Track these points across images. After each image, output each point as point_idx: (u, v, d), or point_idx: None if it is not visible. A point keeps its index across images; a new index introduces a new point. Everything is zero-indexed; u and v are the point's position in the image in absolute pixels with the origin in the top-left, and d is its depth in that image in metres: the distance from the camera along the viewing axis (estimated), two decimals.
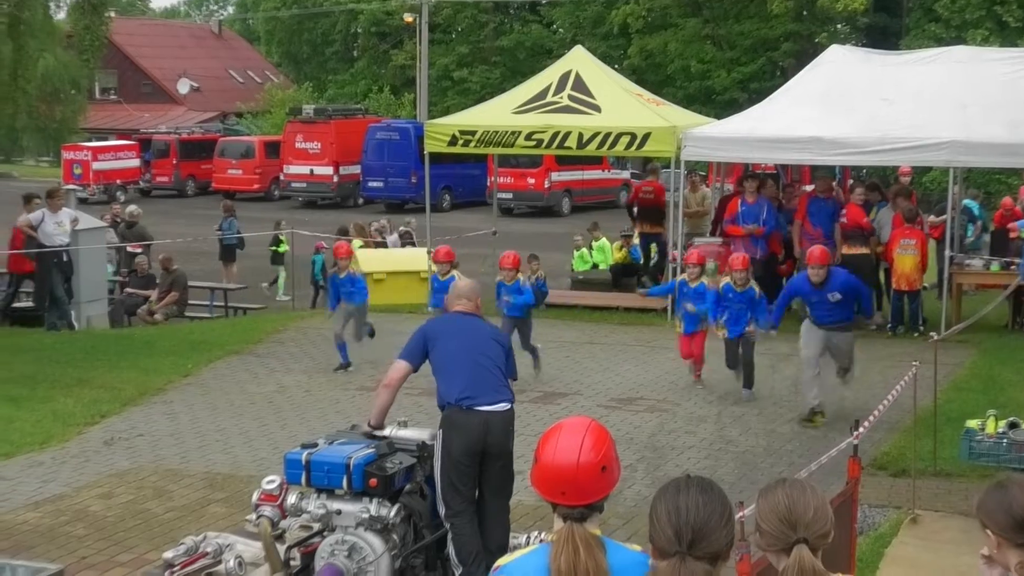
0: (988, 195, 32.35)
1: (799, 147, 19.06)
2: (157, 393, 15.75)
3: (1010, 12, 46.52)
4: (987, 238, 23.61)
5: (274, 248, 27.76)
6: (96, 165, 50.40)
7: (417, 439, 9.00)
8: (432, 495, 8.95)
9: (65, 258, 21.10)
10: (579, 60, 22.30)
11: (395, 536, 8.44)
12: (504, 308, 16.46)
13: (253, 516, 8.83)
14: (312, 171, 47.76)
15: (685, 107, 28.02)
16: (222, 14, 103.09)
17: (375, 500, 8.33)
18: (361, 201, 47.28)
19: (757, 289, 15.40)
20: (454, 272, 16.44)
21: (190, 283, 24.46)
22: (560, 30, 65.49)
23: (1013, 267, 19.63)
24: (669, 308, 20.33)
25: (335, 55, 75.42)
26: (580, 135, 20.32)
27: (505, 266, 16.62)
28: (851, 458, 8.37)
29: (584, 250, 25.77)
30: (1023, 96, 19.13)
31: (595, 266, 25.51)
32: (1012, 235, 22.01)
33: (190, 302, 24.42)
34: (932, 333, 12.76)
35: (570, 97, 21.00)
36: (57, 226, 20.82)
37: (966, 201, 23.35)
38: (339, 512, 8.39)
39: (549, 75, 22.18)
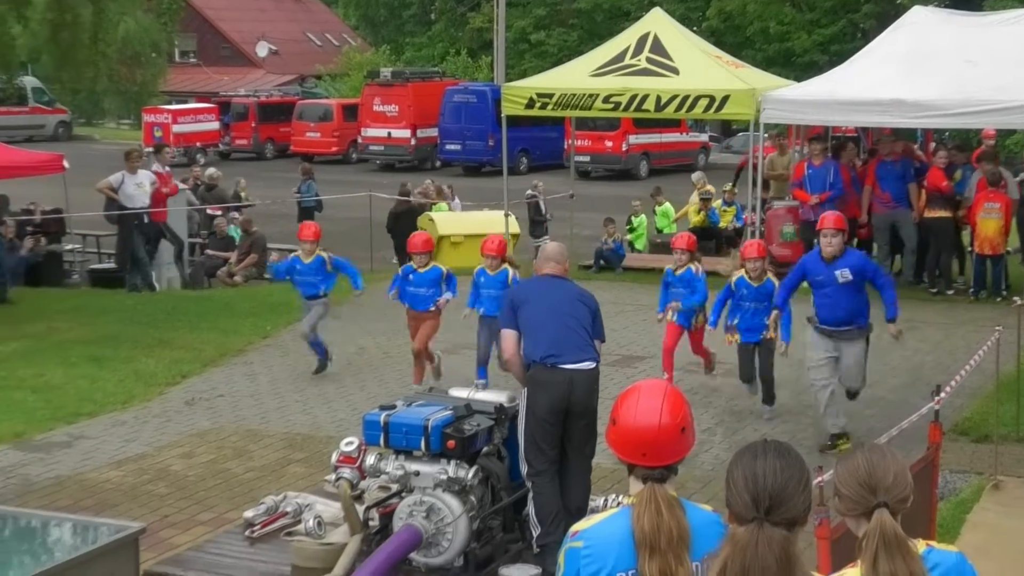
0: None
1: (880, 110, 18.82)
2: (237, 354, 15.88)
3: None
4: None
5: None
6: (176, 128, 50.73)
7: (495, 402, 9.02)
8: (510, 457, 8.98)
9: (146, 220, 21.29)
10: (657, 22, 22.14)
11: (473, 498, 8.48)
12: (480, 306, 13.90)
13: (332, 477, 8.90)
14: (390, 134, 47.83)
15: (764, 69, 27.72)
16: None
17: (453, 462, 8.37)
18: (438, 164, 47.30)
19: (777, 282, 12.97)
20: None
21: (269, 245, 24.60)
22: None
23: None
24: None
25: (412, 18, 75.34)
26: (658, 98, 20.20)
27: (488, 252, 13.81)
28: (932, 423, 8.29)
29: (642, 216, 25.34)
30: None
31: (659, 231, 25.31)
32: None
33: (269, 264, 24.54)
34: (1015, 298, 12.59)
35: (648, 59, 20.86)
36: (137, 187, 21.00)
37: None
38: (417, 473, 8.43)
39: (627, 37, 22.04)
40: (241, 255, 24.01)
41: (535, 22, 66.17)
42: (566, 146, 38.19)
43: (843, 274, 11.79)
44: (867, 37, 36.81)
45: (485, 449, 8.76)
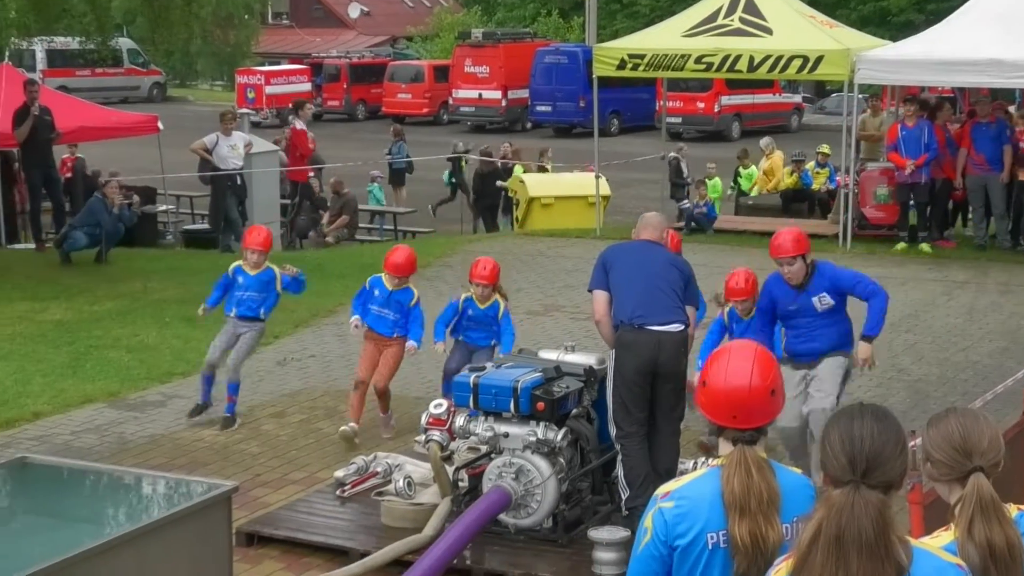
0: None
1: (977, 70, 18.50)
2: (328, 315, 15.96)
3: None
4: None
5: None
6: (269, 89, 51.02)
7: (584, 364, 9.01)
8: (599, 420, 8.97)
9: (239, 181, 21.45)
10: None
11: (562, 459, 8.49)
12: (465, 337, 11.21)
13: (421, 438, 8.94)
14: (481, 95, 47.82)
15: (859, 29, 27.36)
16: None
17: (542, 423, 8.38)
18: (529, 125, 47.25)
19: None
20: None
21: (360, 207, 24.71)
22: None
23: None
24: (841, 234, 20.05)
25: None
26: (751, 58, 20.00)
27: (480, 279, 11.04)
28: None
29: (716, 179, 25.08)
30: None
31: (744, 193, 25.05)
32: None
33: (360, 225, 24.67)
34: None
35: (741, 20, 20.64)
36: (231, 149, 21.15)
37: None
38: (506, 435, 8.46)
39: None
40: (333, 216, 24.15)
41: None
42: (658, 107, 37.99)
43: (822, 300, 9.46)
44: None
45: (574, 411, 8.76)
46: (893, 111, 23.89)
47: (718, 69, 20.88)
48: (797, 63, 19.80)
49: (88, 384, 12.73)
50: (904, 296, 16.46)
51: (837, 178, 22.67)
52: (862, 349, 9.67)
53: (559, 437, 8.41)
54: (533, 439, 8.36)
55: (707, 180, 24.93)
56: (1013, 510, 3.88)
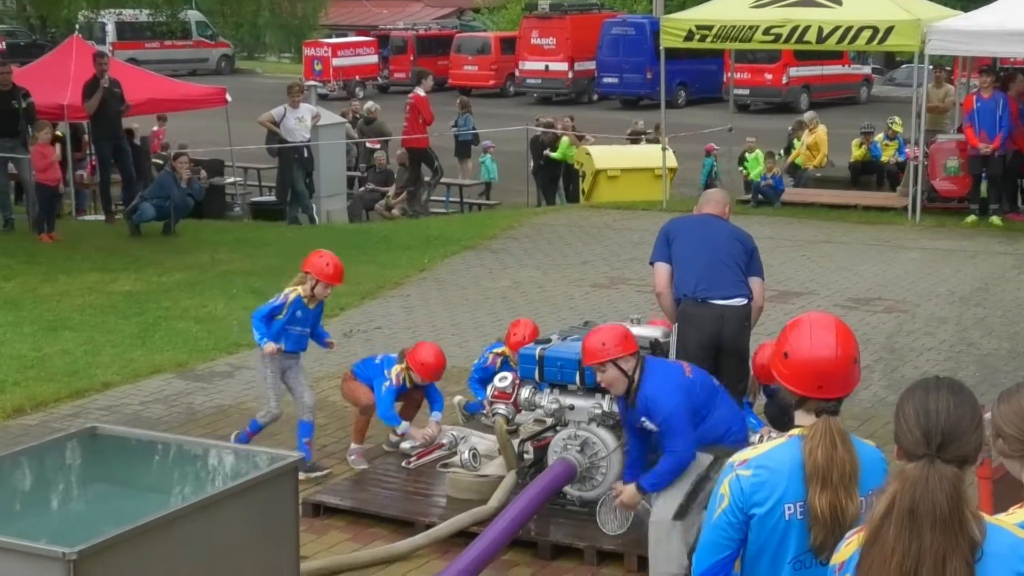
0: None
1: None
2: (394, 287, 16.01)
3: None
4: None
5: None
6: (336, 61, 51.15)
7: (650, 336, 8.99)
8: None
9: (306, 154, 21.54)
10: None
11: None
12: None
13: (487, 411, 8.95)
14: (547, 67, 47.71)
15: None
16: None
17: (607, 396, 8.36)
18: (596, 97, 47.12)
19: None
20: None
21: (427, 179, 24.74)
22: None
23: None
24: (910, 207, 19.89)
25: None
26: (820, 29, 19.82)
27: (518, 337, 9.95)
28: None
29: (757, 152, 24.82)
30: None
31: (797, 167, 24.71)
32: None
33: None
34: None
35: None
36: (298, 121, 21.24)
37: None
38: (572, 407, 8.45)
39: None
40: (399, 188, 24.20)
41: None
42: (725, 79, 37.78)
43: (644, 425, 7.43)
44: None
45: None
46: (964, 82, 23.65)
47: (786, 40, 20.72)
48: (867, 34, 19.61)
49: (157, 355, 12.85)
50: (974, 269, 16.33)
51: (907, 150, 22.47)
52: (627, 493, 7.52)
53: None
54: (598, 411, 8.35)
55: (747, 153, 24.78)
56: None
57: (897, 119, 24.49)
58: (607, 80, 46.26)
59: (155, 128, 27.29)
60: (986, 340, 13.33)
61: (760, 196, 22.25)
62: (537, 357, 8.54)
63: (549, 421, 8.80)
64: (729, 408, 7.53)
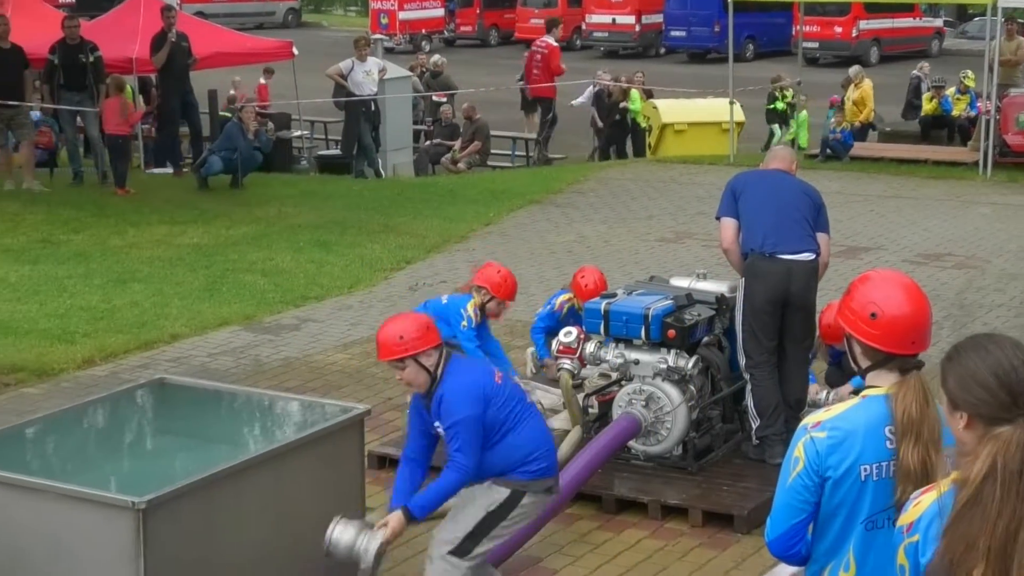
0: None
1: None
2: (460, 241, 16.03)
3: None
4: None
5: (771, 106, 26.51)
6: (402, 15, 50.83)
7: (716, 291, 8.96)
8: (731, 348, 8.92)
9: (373, 107, 21.56)
10: None
11: (692, 387, 8.46)
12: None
13: (552, 366, 8.95)
14: (614, 20, 47.38)
15: None
16: None
17: (673, 351, 8.35)
18: (663, 51, 46.82)
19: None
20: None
21: (492, 132, 24.70)
22: None
23: None
24: (981, 162, 19.67)
25: None
26: None
27: (586, 284, 9.66)
28: None
29: (804, 113, 24.47)
30: None
31: (860, 125, 24.33)
32: None
33: (492, 151, 24.69)
34: None
35: None
36: (365, 75, 21.27)
37: None
38: (637, 362, 8.44)
39: None
40: (465, 142, 24.19)
41: None
42: (794, 32, 37.41)
43: (437, 428, 6.28)
44: None
45: (705, 339, 8.73)
46: None
47: None
48: None
49: (224, 307, 12.94)
50: None
51: (978, 104, 22.20)
52: (394, 520, 6.19)
53: (690, 365, 8.37)
54: (664, 366, 8.33)
55: (778, 96, 24.54)
56: None
57: (969, 73, 24.18)
58: (675, 33, 45.91)
59: (261, 81, 27.45)
60: None
61: (828, 151, 22.06)
62: (603, 311, 8.53)
63: (614, 376, 8.79)
64: (539, 431, 6.34)
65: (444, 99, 26.34)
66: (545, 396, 9.29)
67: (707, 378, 8.71)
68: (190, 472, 6.06)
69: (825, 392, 8.91)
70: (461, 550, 6.16)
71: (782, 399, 8.57)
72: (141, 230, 16.17)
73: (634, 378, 8.46)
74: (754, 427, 8.63)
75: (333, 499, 6.61)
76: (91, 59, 19.32)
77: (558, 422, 8.88)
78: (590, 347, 8.59)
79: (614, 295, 8.79)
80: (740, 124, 22.95)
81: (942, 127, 23.43)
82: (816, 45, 42.24)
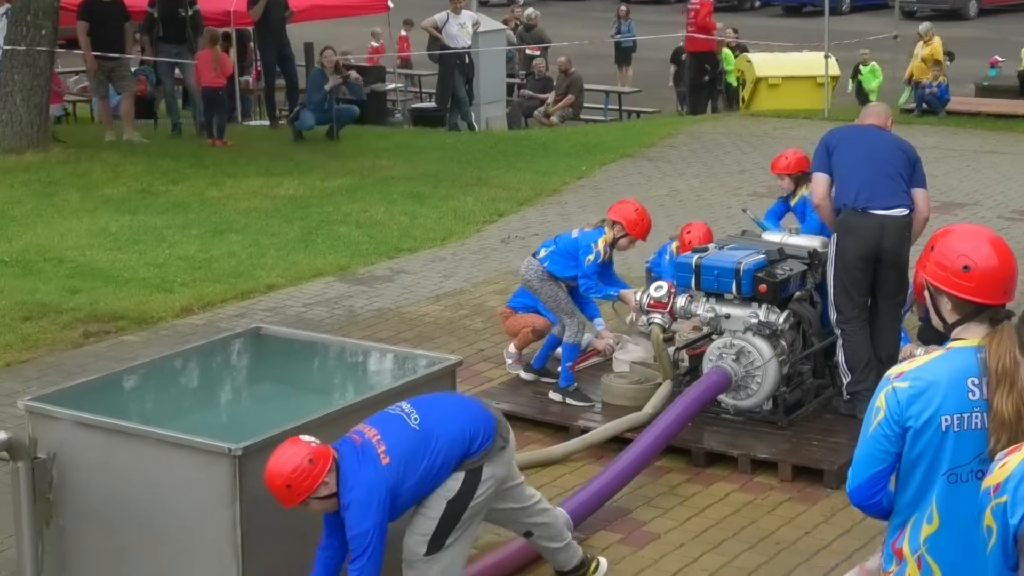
0: None
1: None
2: (552, 194, 16.06)
3: None
4: None
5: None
6: None
7: (808, 246, 8.94)
8: (822, 303, 8.91)
9: (467, 60, 21.59)
10: None
11: (783, 342, 8.47)
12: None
13: (643, 319, 8.97)
14: None
15: None
16: None
17: (764, 306, 8.36)
18: (758, 4, 46.36)
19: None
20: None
21: (586, 86, 24.65)
22: None
23: None
24: None
25: None
26: None
27: (692, 238, 9.58)
28: None
29: (873, 64, 24.10)
30: None
31: (915, 82, 23.89)
32: None
33: (585, 105, 24.65)
34: None
35: None
36: (460, 28, 21.31)
37: None
38: (728, 316, 8.46)
39: None
40: (559, 96, 24.16)
41: None
42: None
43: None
44: None
45: (797, 294, 8.72)
46: None
47: None
48: None
49: (319, 258, 13.07)
50: None
51: None
52: None
53: (781, 320, 8.37)
54: (755, 321, 8.34)
55: (861, 66, 24.17)
56: None
57: None
58: None
59: (402, 33, 27.47)
60: None
61: (924, 105, 21.80)
62: (693, 266, 8.54)
63: (705, 330, 8.82)
64: (459, 416, 6.02)
65: (537, 52, 26.31)
66: (636, 349, 9.34)
67: (798, 333, 8.70)
68: (284, 420, 6.16)
69: (921, 351, 8.87)
70: (434, 546, 5.91)
71: (873, 355, 8.55)
72: (238, 181, 16.34)
73: (724, 332, 8.48)
74: (845, 382, 8.63)
75: None
76: (190, 12, 19.52)
77: (627, 354, 8.92)
78: (681, 301, 8.60)
79: (705, 249, 8.80)
80: (835, 78, 22.74)
81: None
82: None
